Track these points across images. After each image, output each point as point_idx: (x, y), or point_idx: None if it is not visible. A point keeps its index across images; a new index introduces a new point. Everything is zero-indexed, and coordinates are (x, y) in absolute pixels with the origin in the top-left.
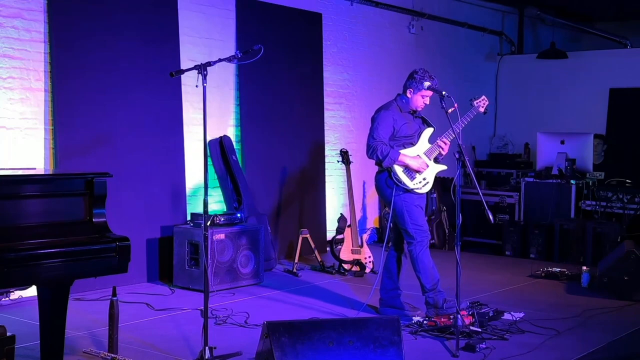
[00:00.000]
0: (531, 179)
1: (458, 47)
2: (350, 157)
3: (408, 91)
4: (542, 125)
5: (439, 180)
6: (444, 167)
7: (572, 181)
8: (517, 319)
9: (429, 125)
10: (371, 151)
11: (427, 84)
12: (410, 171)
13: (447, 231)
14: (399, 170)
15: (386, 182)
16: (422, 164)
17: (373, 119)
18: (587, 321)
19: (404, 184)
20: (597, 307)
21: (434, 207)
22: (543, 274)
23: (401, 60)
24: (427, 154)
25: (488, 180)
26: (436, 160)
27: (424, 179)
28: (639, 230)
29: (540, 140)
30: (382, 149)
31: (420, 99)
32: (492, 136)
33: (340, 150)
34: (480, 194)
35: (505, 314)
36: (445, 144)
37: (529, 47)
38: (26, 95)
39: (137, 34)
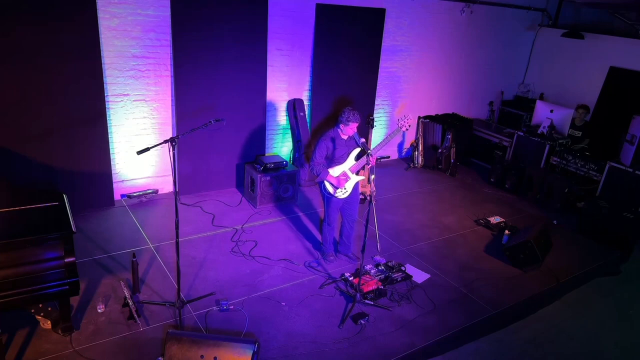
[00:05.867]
0: (522, 133)
1: (503, 23)
2: (374, 122)
3: (341, 125)
4: (555, 84)
5: (460, 119)
6: (362, 178)
7: (547, 142)
8: (419, 282)
9: (358, 146)
10: (311, 169)
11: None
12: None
13: (452, 160)
14: (327, 183)
15: (321, 187)
16: (340, 182)
17: (315, 144)
18: (467, 295)
19: (329, 192)
20: (491, 275)
21: (446, 144)
22: (483, 222)
23: (454, 36)
24: (352, 169)
25: (508, 118)
26: (375, 164)
27: (344, 188)
28: (584, 185)
29: (538, 105)
30: (317, 169)
31: (349, 129)
32: (521, 83)
33: (368, 116)
34: None
35: (412, 277)
36: (373, 158)
37: (567, 22)
38: (158, 80)
39: (234, 38)
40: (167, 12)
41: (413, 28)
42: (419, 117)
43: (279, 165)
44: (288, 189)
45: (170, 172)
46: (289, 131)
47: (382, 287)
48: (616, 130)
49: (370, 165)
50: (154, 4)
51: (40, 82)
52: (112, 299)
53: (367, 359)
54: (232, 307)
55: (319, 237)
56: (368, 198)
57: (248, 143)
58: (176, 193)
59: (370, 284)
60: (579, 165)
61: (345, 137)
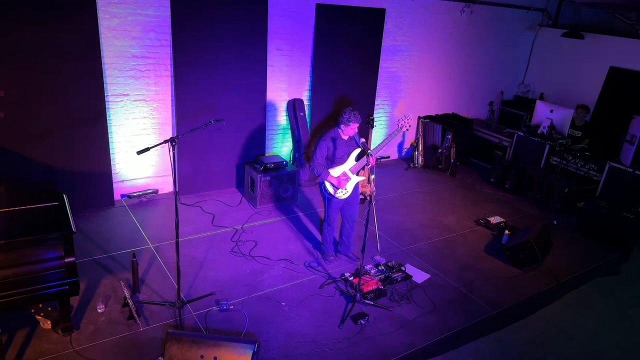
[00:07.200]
0: (522, 133)
1: (503, 23)
2: (374, 122)
3: (342, 125)
4: (555, 84)
5: (460, 119)
6: (362, 178)
7: (547, 142)
8: (419, 282)
9: (358, 146)
10: (312, 169)
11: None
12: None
13: (452, 160)
14: (327, 184)
15: (321, 188)
16: (341, 183)
17: (316, 144)
18: (467, 295)
19: (329, 192)
20: (491, 275)
21: (446, 144)
22: (483, 222)
23: (454, 36)
24: (352, 169)
25: (508, 118)
26: (374, 163)
27: (345, 189)
28: (584, 185)
29: (538, 105)
30: (317, 169)
31: (350, 129)
32: (521, 83)
33: (368, 116)
34: None
35: (412, 277)
36: (373, 158)
37: (567, 22)
38: (158, 80)
39: (234, 38)
40: (167, 12)
41: (413, 28)
42: (419, 117)
43: (279, 165)
44: (288, 189)
45: (170, 172)
46: (289, 131)
47: (382, 287)
48: (616, 130)
49: (370, 165)
50: (154, 4)
51: (40, 82)
52: (112, 299)
53: (367, 359)
54: (232, 307)
55: (319, 237)
56: (368, 198)
57: (248, 143)
58: (176, 193)
59: (370, 284)
60: (579, 165)
61: (345, 138)
